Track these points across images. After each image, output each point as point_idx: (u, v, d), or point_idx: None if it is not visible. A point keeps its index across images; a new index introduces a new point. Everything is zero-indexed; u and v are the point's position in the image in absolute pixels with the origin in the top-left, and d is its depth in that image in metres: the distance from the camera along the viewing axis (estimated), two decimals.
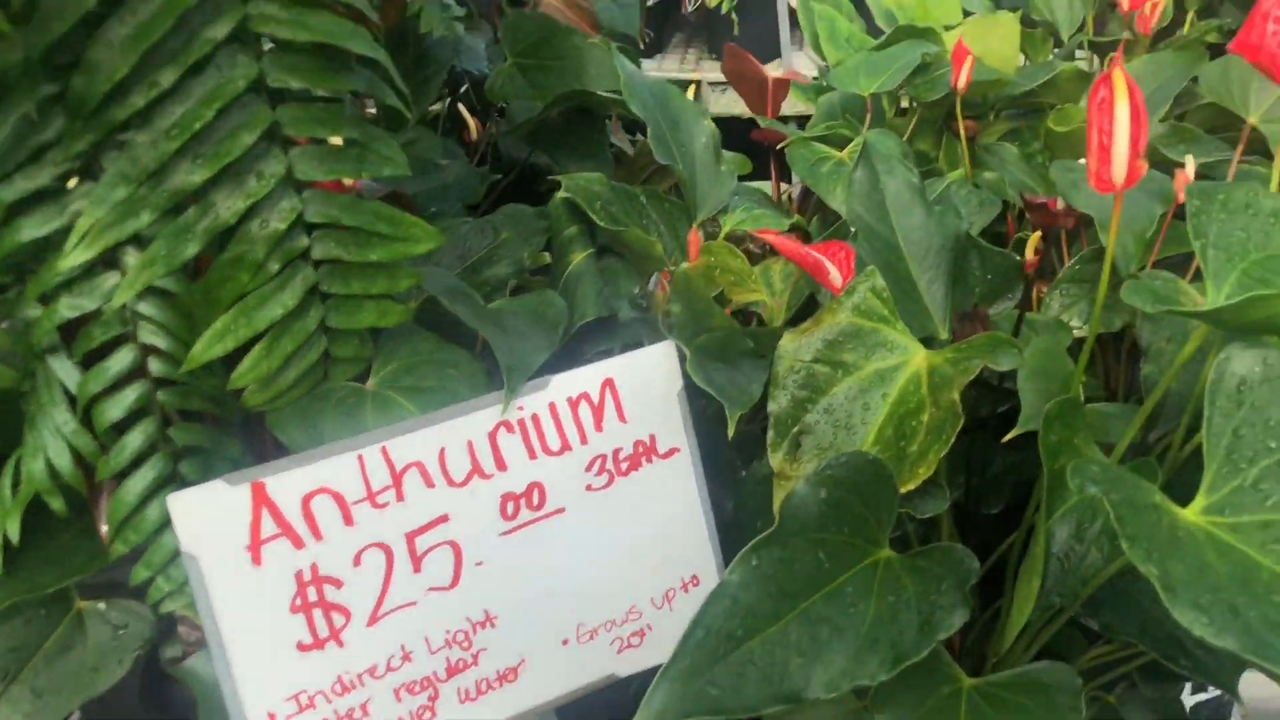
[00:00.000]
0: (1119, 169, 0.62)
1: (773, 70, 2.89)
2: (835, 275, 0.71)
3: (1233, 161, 0.91)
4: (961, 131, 1.12)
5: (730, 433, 0.64)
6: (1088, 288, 0.89)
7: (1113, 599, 0.67)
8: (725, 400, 0.65)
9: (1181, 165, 0.91)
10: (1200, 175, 1.05)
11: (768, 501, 0.71)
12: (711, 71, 2.69)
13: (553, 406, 0.64)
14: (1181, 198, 0.91)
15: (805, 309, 0.98)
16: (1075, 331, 0.88)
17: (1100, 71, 1.34)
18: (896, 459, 0.65)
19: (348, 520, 0.61)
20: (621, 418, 0.66)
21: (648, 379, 0.67)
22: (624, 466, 0.67)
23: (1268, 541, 0.54)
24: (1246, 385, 0.57)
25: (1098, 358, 0.91)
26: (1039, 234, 0.93)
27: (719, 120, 1.27)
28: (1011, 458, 0.82)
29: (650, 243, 0.83)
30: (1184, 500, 0.57)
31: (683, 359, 0.67)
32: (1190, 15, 1.40)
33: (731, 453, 0.81)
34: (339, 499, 0.60)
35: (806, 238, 1.07)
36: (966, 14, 1.35)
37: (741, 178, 1.12)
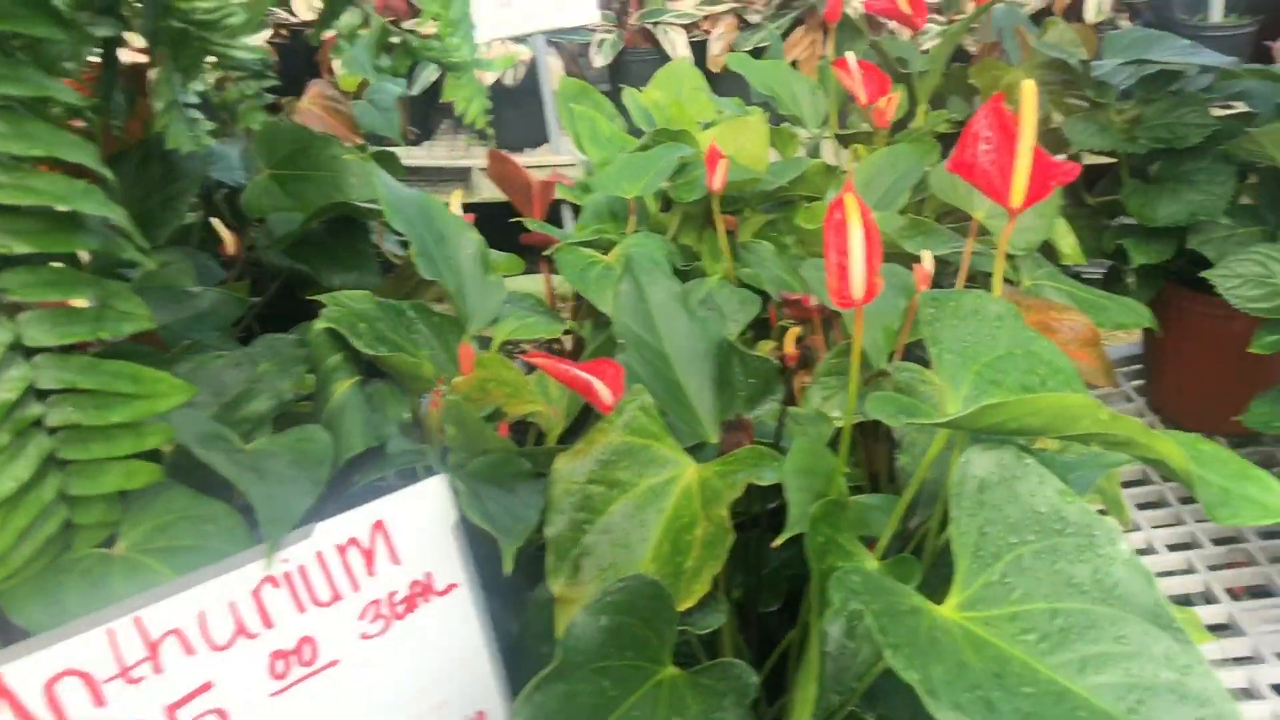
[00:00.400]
0: (857, 287, 0.65)
1: (542, 155, 2.92)
2: (605, 394, 0.72)
3: (965, 251, 0.98)
4: (720, 228, 1.16)
5: (507, 568, 0.64)
6: (845, 379, 0.94)
7: (887, 691, 0.70)
8: (500, 534, 0.65)
9: (918, 260, 0.98)
10: (938, 264, 1.12)
11: (553, 625, 0.70)
12: (483, 158, 2.70)
13: (320, 555, 0.62)
14: (922, 288, 0.97)
15: (584, 416, 0.99)
16: (837, 421, 0.93)
17: (844, 165, 1.43)
18: (674, 575, 0.66)
19: (98, 701, 0.56)
20: (394, 559, 0.64)
21: (420, 516, 0.66)
22: (400, 609, 0.65)
23: (1017, 633, 0.58)
24: (986, 486, 0.62)
25: (859, 444, 0.96)
26: (796, 329, 0.98)
27: (494, 206, 1.28)
28: (786, 553, 0.84)
29: (416, 364, 0.82)
30: (942, 587, 0.61)
31: (457, 493, 0.66)
32: (922, 107, 1.52)
33: (518, 575, 0.80)
34: (88, 679, 0.56)
35: (580, 344, 1.08)
36: (720, 112, 1.42)
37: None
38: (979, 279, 1.05)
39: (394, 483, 0.74)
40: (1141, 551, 1.37)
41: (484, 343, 1.00)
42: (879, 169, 1.29)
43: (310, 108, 1.34)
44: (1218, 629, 1.26)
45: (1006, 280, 1.09)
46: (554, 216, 1.25)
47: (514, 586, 0.82)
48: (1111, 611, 0.57)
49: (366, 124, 1.40)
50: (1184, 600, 1.32)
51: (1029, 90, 0.68)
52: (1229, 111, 1.46)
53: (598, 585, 0.68)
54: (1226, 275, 1.17)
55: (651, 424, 0.69)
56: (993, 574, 0.60)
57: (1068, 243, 1.32)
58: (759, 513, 0.85)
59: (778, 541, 0.70)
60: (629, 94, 1.44)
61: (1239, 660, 1.20)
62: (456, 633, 0.67)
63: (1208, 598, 1.30)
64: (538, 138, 2.75)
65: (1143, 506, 1.43)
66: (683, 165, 1.21)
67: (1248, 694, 1.16)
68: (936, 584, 0.63)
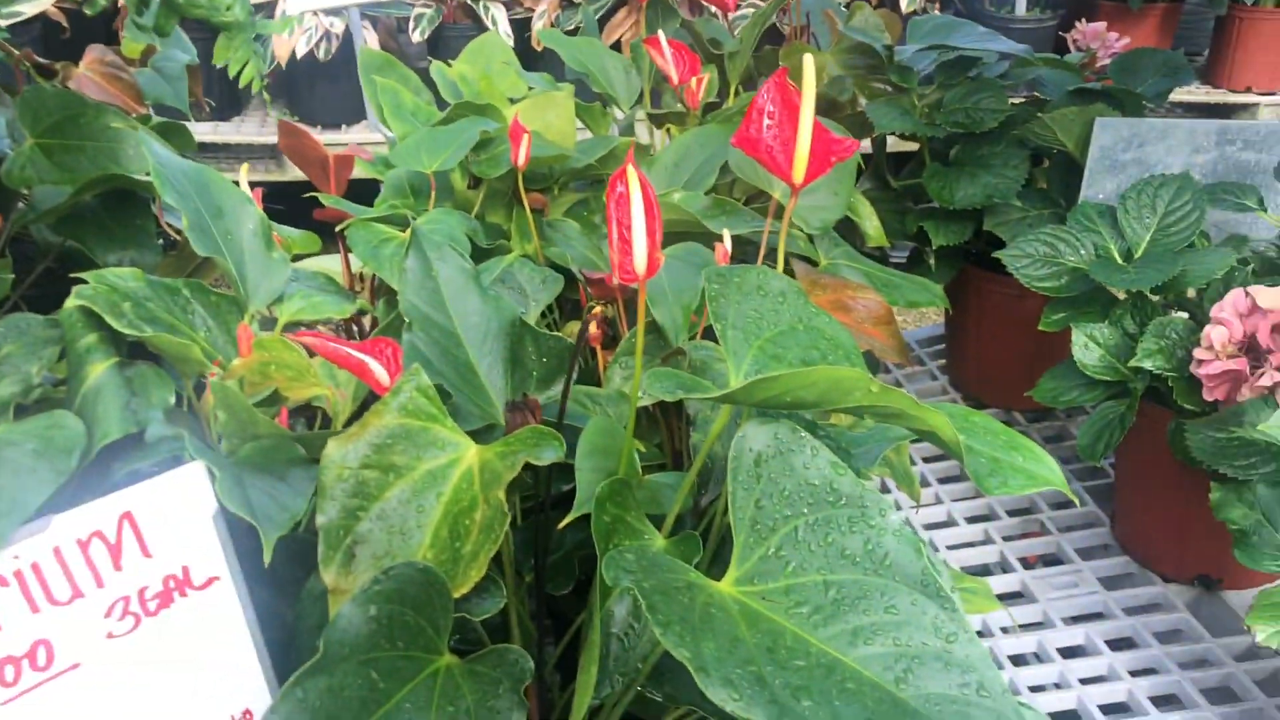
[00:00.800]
0: (639, 261, 0.64)
1: (361, 132, 2.83)
2: (381, 375, 0.68)
3: (765, 230, 0.98)
4: (526, 206, 1.14)
5: (267, 558, 0.60)
6: (645, 359, 0.93)
7: (672, 670, 0.69)
8: (260, 524, 0.61)
9: (720, 239, 0.98)
10: (738, 244, 1.13)
11: (327, 617, 0.67)
12: None
13: (58, 551, 0.57)
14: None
15: (374, 398, 0.95)
16: (643, 401, 0.92)
17: (658, 145, 1.42)
18: (452, 561, 0.64)
19: None
20: (145, 552, 0.60)
21: (175, 506, 0.61)
22: (153, 606, 0.60)
23: (791, 606, 0.58)
24: (762, 459, 0.61)
25: (661, 425, 0.95)
26: (599, 308, 0.96)
27: (308, 185, 1.22)
28: (581, 534, 0.83)
29: (184, 346, 0.77)
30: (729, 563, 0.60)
31: (214, 479, 0.62)
32: (734, 87, 1.52)
33: (295, 564, 0.76)
34: None
35: (376, 325, 1.04)
36: (530, 88, 1.39)
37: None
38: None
39: (160, 471, 0.69)
40: (941, 524, 1.41)
41: (271, 325, 0.94)
42: (689, 149, 1.28)
43: (87, 74, 1.25)
44: (1012, 597, 1.32)
45: (805, 259, 1.10)
46: (372, 194, 1.20)
47: (293, 577, 0.78)
48: (882, 582, 0.57)
49: (152, 93, 1.31)
50: (982, 570, 1.37)
51: (808, 65, 0.67)
52: (1026, 98, 1.52)
53: (373, 574, 0.64)
54: (1016, 255, 1.21)
55: (430, 405, 0.66)
56: (769, 547, 0.59)
57: (872, 224, 1.34)
58: (555, 495, 0.83)
59: (564, 522, 0.68)
60: (436, 67, 1.40)
61: (1030, 626, 1.25)
62: (218, 628, 0.63)
63: (1004, 567, 1.35)
64: (356, 114, 2.67)
65: (943, 480, 1.47)
66: (487, 140, 1.18)
67: (1037, 657, 1.21)
68: (727, 560, 0.62)
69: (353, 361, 0.67)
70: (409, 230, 1.05)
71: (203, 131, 2.55)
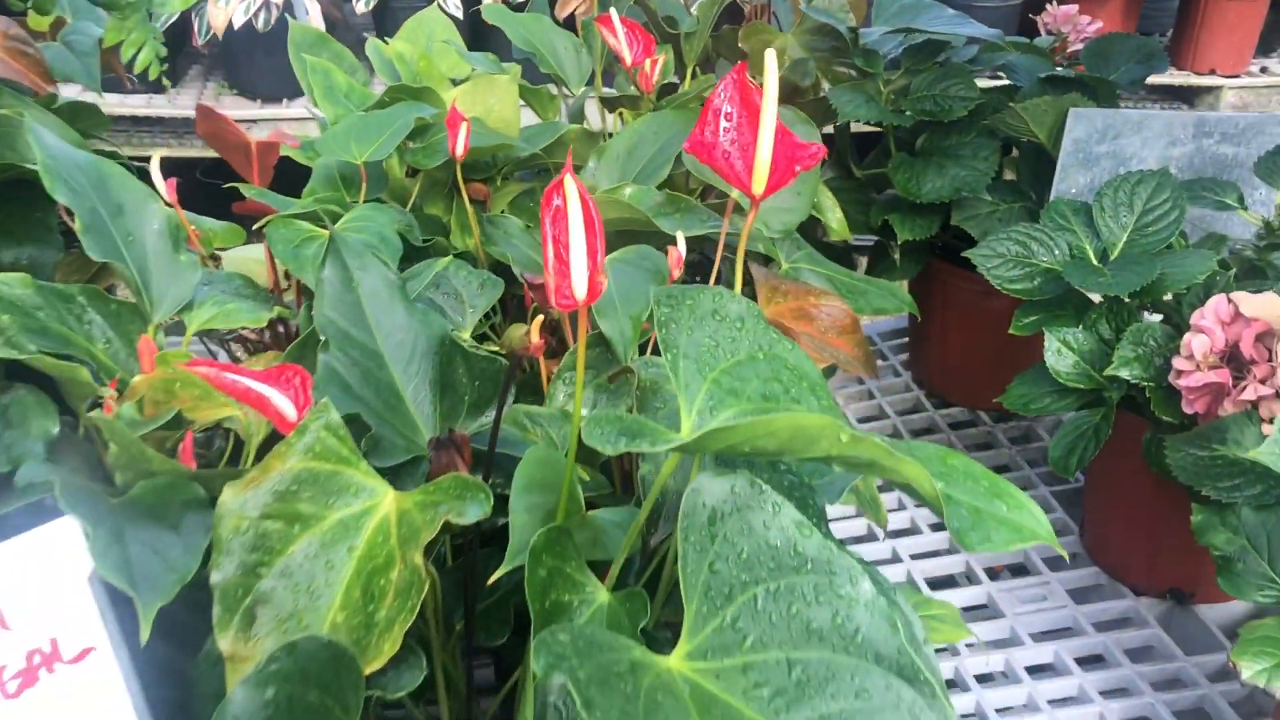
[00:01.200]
0: (579, 285, 0.56)
1: (302, 107, 2.71)
2: (286, 409, 0.60)
3: (721, 234, 0.90)
4: (466, 199, 1.05)
5: (144, 634, 0.52)
6: (591, 374, 0.85)
7: None
8: (140, 592, 0.53)
9: (674, 240, 0.90)
10: (693, 243, 1.05)
11: (225, 688, 0.59)
12: (235, 108, 2.48)
13: None
14: (676, 274, 0.90)
15: None
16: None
17: (610, 130, 1.34)
18: (364, 627, 0.56)
19: None
20: (3, 624, 0.52)
21: (42, 568, 0.53)
22: (13, 687, 0.52)
23: (749, 687, 0.51)
24: (718, 517, 0.54)
25: None
26: (541, 317, 0.88)
27: None
28: (517, 575, 0.75)
29: (71, 369, 0.68)
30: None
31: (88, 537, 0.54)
32: (690, 69, 1.44)
33: (195, 614, 0.68)
34: None
35: (297, 335, 0.95)
36: (474, 69, 1.30)
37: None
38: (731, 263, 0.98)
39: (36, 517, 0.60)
40: (905, 530, 1.35)
41: (181, 333, 0.86)
42: (642, 137, 1.20)
43: None
44: (976, 610, 1.26)
45: (766, 260, 1.03)
46: (306, 179, 1.10)
47: (194, 627, 0.70)
48: (853, 661, 0.50)
49: (62, 70, 1.21)
50: (947, 580, 1.31)
51: (770, 60, 0.60)
52: (994, 84, 1.45)
53: (277, 639, 0.57)
54: (988, 255, 1.14)
55: (341, 445, 0.58)
56: (724, 618, 0.52)
57: (834, 217, 1.27)
58: (488, 529, 0.75)
59: (494, 576, 0.61)
60: (372, 45, 1.31)
61: (998, 643, 1.19)
62: (95, 706, 0.55)
63: (969, 577, 1.29)
64: (299, 88, 2.54)
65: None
66: (423, 126, 1.10)
67: (1005, 676, 1.16)
68: (678, 607, 0.55)
69: (252, 396, 0.59)
70: (338, 225, 0.96)
71: (136, 105, 2.42)
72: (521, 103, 1.31)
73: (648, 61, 1.29)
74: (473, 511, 0.55)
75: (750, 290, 0.95)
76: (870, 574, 0.54)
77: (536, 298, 0.92)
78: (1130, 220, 1.12)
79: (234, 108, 2.50)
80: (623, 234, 1.01)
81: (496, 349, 1.06)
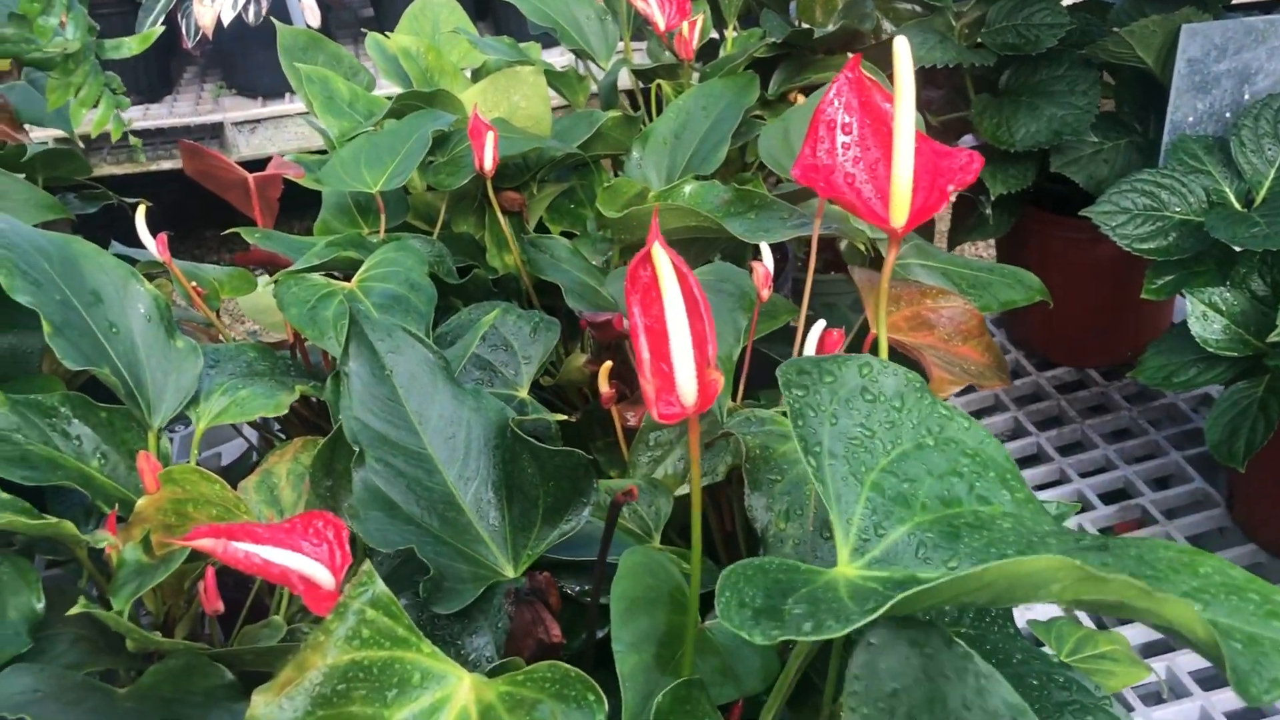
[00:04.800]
0: (687, 389, 0.41)
1: (297, 104, 2.55)
2: (320, 576, 0.46)
3: (813, 239, 0.75)
4: (501, 218, 0.90)
5: None
6: (675, 431, 0.71)
7: None
8: None
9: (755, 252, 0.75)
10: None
11: None
12: (236, 109, 2.33)
13: None
14: (765, 294, 0.75)
15: None
16: (682, 490, 0.70)
17: (645, 102, 1.17)
18: None
19: None
20: None
21: None
22: None
23: None
24: (901, 692, 0.40)
25: (708, 509, 0.73)
26: (608, 364, 0.74)
27: (255, 165, 0.98)
28: None
29: (50, 526, 0.54)
30: None
31: None
32: (730, 26, 1.27)
33: None
34: None
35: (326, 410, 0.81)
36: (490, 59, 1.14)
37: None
38: (834, 263, 0.83)
39: None
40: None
41: (189, 434, 0.72)
42: (689, 115, 1.05)
43: None
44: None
45: (863, 246, 0.87)
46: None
47: None
48: None
49: (29, 113, 1.07)
50: None
51: (902, 52, 0.44)
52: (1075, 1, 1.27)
53: None
54: (1111, 211, 0.98)
55: (394, 624, 0.44)
56: None
57: None
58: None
59: None
60: (373, 41, 1.15)
61: (1152, 650, 1.05)
62: None
63: None
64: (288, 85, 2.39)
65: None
66: (441, 137, 0.95)
67: (1172, 691, 1.01)
68: None
69: (273, 571, 0.45)
70: (357, 276, 0.82)
71: (132, 118, 2.27)
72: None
73: (684, 24, 1.12)
74: (580, 717, 0.41)
75: (854, 300, 0.80)
76: None
77: (598, 335, 0.77)
78: (1278, 153, 0.95)
79: (236, 108, 2.35)
80: (684, 242, 0.86)
81: (557, 387, 0.92)
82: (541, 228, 1.04)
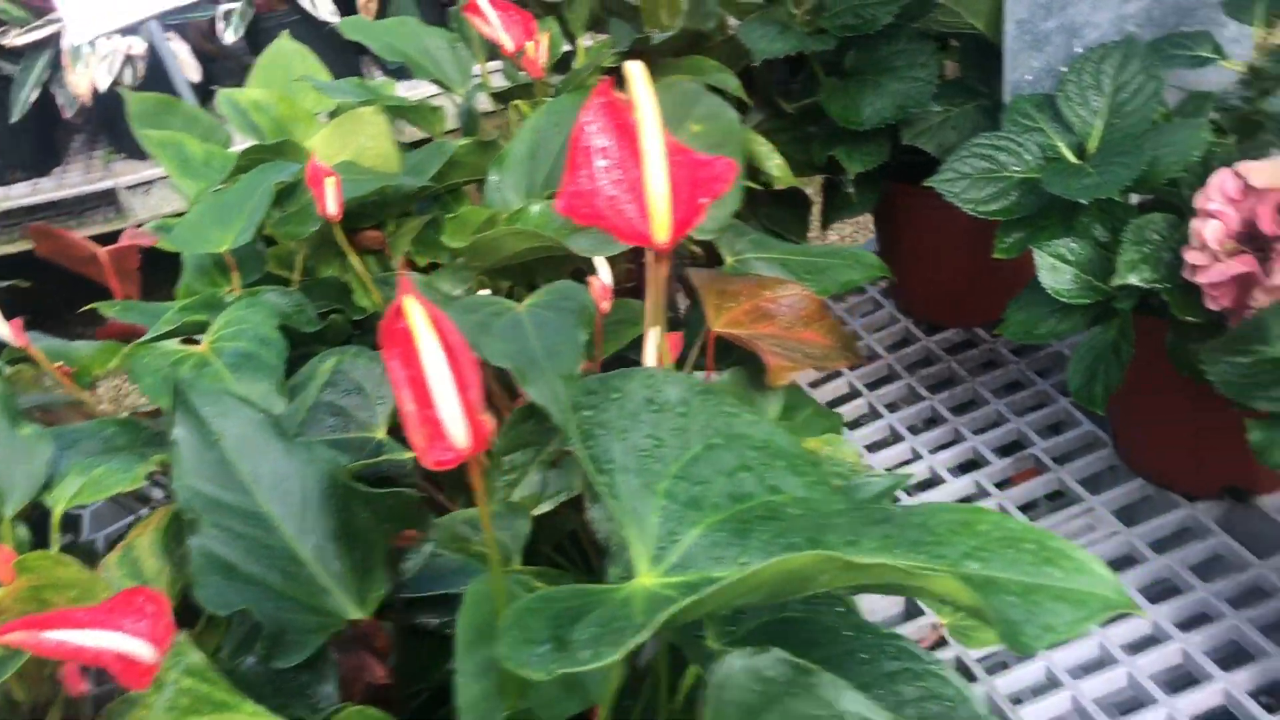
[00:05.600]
0: (456, 432, 0.43)
1: None
2: (140, 653, 0.47)
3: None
4: (355, 261, 0.91)
5: None
6: (533, 451, 0.72)
7: None
8: None
9: (594, 272, 0.77)
10: (630, 258, 0.91)
11: None
12: (128, 173, 2.31)
13: None
14: (605, 307, 0.76)
15: None
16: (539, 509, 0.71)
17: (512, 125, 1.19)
18: None
19: None
20: None
21: None
22: None
23: None
24: (753, 713, 0.41)
25: (578, 521, 0.75)
26: None
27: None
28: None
29: None
30: None
31: None
32: (580, 41, 1.29)
33: None
34: None
35: None
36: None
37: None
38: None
39: None
40: (927, 482, 1.23)
41: (44, 519, 0.72)
42: (542, 133, 1.06)
43: None
44: None
45: (703, 244, 0.89)
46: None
47: None
48: None
49: None
50: None
51: (635, 74, 0.46)
52: None
53: None
54: (951, 178, 1.01)
55: (212, 688, 0.46)
56: None
57: (774, 164, 1.14)
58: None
59: None
60: (224, 97, 1.16)
61: None
62: None
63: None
64: None
65: (914, 430, 1.29)
66: (289, 187, 0.95)
67: None
68: None
69: (87, 655, 0.46)
70: (206, 339, 0.83)
71: (20, 194, 2.25)
72: (405, 123, 1.17)
73: (529, 44, 1.14)
74: None
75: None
76: None
77: None
78: (1102, 103, 0.98)
79: (127, 172, 2.33)
80: (532, 264, 0.87)
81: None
82: (411, 262, 1.06)
